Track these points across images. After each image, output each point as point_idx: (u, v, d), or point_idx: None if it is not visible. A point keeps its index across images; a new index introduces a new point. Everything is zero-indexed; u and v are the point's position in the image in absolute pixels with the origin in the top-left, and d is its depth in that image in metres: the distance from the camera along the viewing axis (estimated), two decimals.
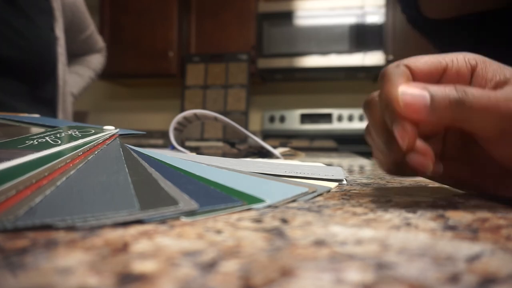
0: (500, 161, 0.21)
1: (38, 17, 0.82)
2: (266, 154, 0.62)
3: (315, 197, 0.21)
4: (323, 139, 2.06)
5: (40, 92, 0.85)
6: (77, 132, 0.32)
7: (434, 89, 0.19)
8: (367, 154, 0.77)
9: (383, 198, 0.21)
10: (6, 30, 0.76)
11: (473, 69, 0.22)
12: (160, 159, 0.29)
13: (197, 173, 0.24)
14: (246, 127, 2.11)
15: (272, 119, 2.37)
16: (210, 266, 0.10)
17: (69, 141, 0.28)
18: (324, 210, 0.18)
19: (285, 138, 2.16)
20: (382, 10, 2.08)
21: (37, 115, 0.46)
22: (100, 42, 1.15)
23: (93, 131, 0.33)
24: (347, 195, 0.23)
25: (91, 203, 0.15)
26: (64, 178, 0.18)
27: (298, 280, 0.09)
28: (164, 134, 2.34)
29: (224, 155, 0.63)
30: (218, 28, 2.25)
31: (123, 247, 0.11)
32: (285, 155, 0.66)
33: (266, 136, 2.29)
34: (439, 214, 0.17)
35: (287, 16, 2.15)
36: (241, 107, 2.20)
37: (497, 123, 0.19)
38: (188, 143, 1.67)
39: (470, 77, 0.22)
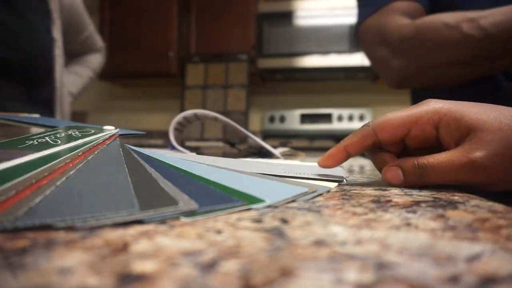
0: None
1: (35, 19, 0.82)
2: (266, 154, 0.62)
3: (315, 197, 0.21)
4: (323, 139, 2.06)
5: (37, 94, 0.85)
6: (76, 132, 0.32)
7: (403, 166, 0.27)
8: None
9: (383, 198, 0.21)
10: (2, 31, 0.76)
11: (437, 123, 0.27)
12: (160, 159, 0.29)
13: (197, 173, 0.24)
14: (246, 127, 2.11)
15: (272, 119, 2.37)
16: (210, 266, 0.10)
17: (68, 141, 0.28)
18: (324, 210, 0.18)
19: (285, 138, 2.16)
20: None
21: (37, 115, 0.46)
22: (99, 42, 1.15)
23: (93, 131, 0.33)
24: (347, 195, 0.23)
25: (91, 203, 0.15)
26: (64, 178, 0.18)
27: (298, 280, 0.09)
28: (164, 134, 2.34)
29: (224, 155, 0.63)
30: (218, 28, 2.25)
31: (123, 247, 0.11)
32: (285, 155, 0.66)
33: (266, 136, 2.29)
34: (439, 214, 0.17)
35: (287, 16, 2.15)
36: (241, 107, 2.20)
37: (455, 177, 0.25)
38: (188, 143, 1.67)
39: (435, 130, 0.27)
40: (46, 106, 0.89)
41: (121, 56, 2.27)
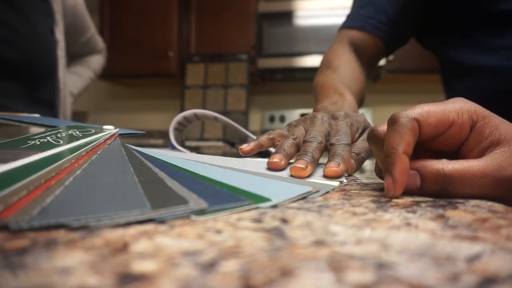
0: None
1: (38, 20, 0.83)
2: (266, 154, 0.62)
3: (321, 195, 0.21)
4: None
5: (39, 94, 0.85)
6: (77, 132, 0.32)
7: (424, 171, 0.23)
8: None
9: (383, 198, 0.21)
10: (6, 32, 0.76)
11: (473, 124, 0.24)
12: (163, 159, 0.29)
13: (201, 173, 0.24)
14: (246, 127, 2.11)
15: (272, 119, 2.37)
16: (210, 266, 0.10)
17: (71, 141, 0.28)
18: (324, 210, 0.18)
19: None
20: None
21: (37, 115, 0.46)
22: (100, 43, 1.16)
23: (93, 131, 0.33)
24: (347, 195, 0.23)
25: (103, 203, 0.15)
26: (71, 178, 0.19)
27: (298, 280, 0.09)
28: (164, 134, 2.34)
29: (224, 155, 0.63)
30: (218, 28, 2.25)
31: (123, 247, 0.11)
32: None
33: None
34: (439, 214, 0.17)
35: (287, 16, 2.15)
36: (241, 107, 2.20)
37: (483, 190, 0.22)
38: (188, 143, 1.66)
39: (470, 130, 0.24)
40: (48, 106, 0.89)
41: (121, 56, 2.27)
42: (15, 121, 0.39)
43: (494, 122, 0.24)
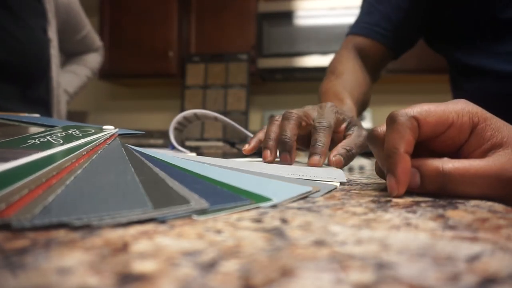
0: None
1: (30, 20, 0.82)
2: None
3: (323, 195, 0.21)
4: None
5: (32, 94, 0.85)
6: (77, 132, 0.32)
7: (424, 169, 0.23)
8: (367, 154, 0.77)
9: (383, 198, 0.21)
10: None
11: (474, 126, 0.24)
12: (163, 159, 0.29)
13: (202, 173, 0.24)
14: (246, 127, 2.11)
15: None
16: (210, 266, 0.10)
17: (71, 141, 0.28)
18: (324, 210, 0.18)
19: None
20: None
21: (37, 115, 0.46)
22: (97, 41, 1.15)
23: (93, 131, 0.33)
24: (347, 195, 0.23)
25: (104, 202, 0.15)
26: (72, 178, 0.19)
27: (298, 280, 0.09)
28: (164, 134, 2.34)
29: (224, 155, 0.63)
30: (218, 28, 2.25)
31: (123, 247, 0.11)
32: None
33: None
34: (439, 214, 0.17)
35: (287, 16, 2.15)
36: (241, 107, 2.20)
37: (483, 190, 0.22)
38: (188, 143, 1.66)
39: (470, 132, 0.24)
40: (42, 105, 0.89)
41: (121, 56, 2.27)
42: (14, 121, 0.39)
43: (496, 124, 0.23)
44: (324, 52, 2.09)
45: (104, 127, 0.36)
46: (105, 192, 0.17)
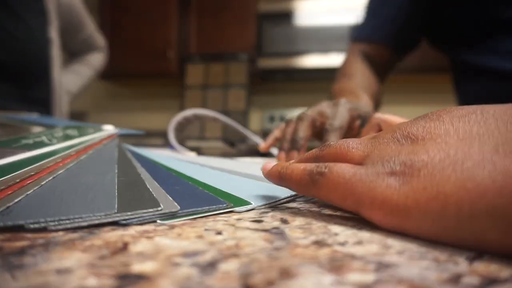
0: None
1: (31, 19, 0.82)
2: (266, 154, 0.62)
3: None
4: None
5: (32, 94, 0.85)
6: (75, 132, 0.32)
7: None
8: None
9: None
10: None
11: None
12: (155, 159, 0.28)
13: (188, 174, 0.24)
14: (246, 127, 2.11)
15: (272, 119, 2.37)
16: (210, 266, 0.10)
17: (64, 141, 0.28)
18: (324, 210, 0.18)
19: None
20: None
21: (35, 114, 0.46)
22: (100, 40, 1.15)
23: (92, 131, 0.33)
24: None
25: (70, 205, 0.15)
26: (50, 178, 0.18)
27: (298, 280, 0.09)
28: (164, 134, 2.34)
29: (224, 154, 0.63)
30: (218, 27, 2.25)
31: (123, 247, 0.11)
32: None
33: (266, 136, 2.29)
34: None
35: (287, 16, 2.15)
36: (241, 107, 2.20)
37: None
38: (188, 143, 1.66)
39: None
40: (43, 105, 0.88)
41: (121, 56, 2.27)
42: (16, 121, 0.39)
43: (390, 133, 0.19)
44: (324, 52, 2.09)
45: (104, 126, 0.36)
46: (76, 194, 0.16)
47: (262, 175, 0.20)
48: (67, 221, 0.13)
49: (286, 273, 0.10)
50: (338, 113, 0.41)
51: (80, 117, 2.41)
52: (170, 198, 0.17)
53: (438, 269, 0.10)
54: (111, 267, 0.10)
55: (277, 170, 0.19)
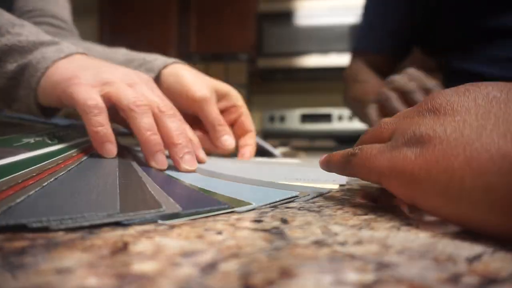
0: None
1: None
2: (266, 153, 0.62)
3: (320, 195, 0.21)
4: (323, 139, 2.06)
5: None
6: (75, 131, 0.32)
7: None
8: None
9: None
10: None
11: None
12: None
13: (187, 181, 0.24)
14: None
15: (272, 119, 2.37)
16: (210, 266, 0.10)
17: (65, 141, 0.28)
18: (324, 210, 0.18)
19: (285, 138, 2.16)
20: None
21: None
22: None
23: None
24: (347, 195, 0.23)
25: (72, 205, 0.15)
26: (52, 179, 0.18)
27: (298, 280, 0.09)
28: None
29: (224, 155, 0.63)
30: (218, 27, 2.25)
31: (123, 247, 0.11)
32: (285, 155, 0.66)
33: (266, 136, 2.29)
34: None
35: (287, 16, 2.15)
36: None
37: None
38: None
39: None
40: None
41: None
42: (18, 119, 0.39)
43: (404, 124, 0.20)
44: (324, 52, 2.09)
45: None
46: (78, 195, 0.16)
47: (264, 177, 0.20)
48: (70, 221, 0.13)
49: (286, 273, 0.10)
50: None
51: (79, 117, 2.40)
52: (171, 200, 0.17)
53: (437, 269, 0.10)
54: (111, 267, 0.10)
55: (325, 158, 0.22)
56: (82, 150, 0.26)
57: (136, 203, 0.16)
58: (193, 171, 0.27)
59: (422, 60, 0.83)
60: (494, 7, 0.58)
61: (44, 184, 0.17)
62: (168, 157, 0.29)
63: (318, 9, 2.13)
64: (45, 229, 0.13)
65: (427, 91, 0.47)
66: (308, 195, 0.22)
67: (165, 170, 0.27)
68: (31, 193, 0.16)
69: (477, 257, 0.11)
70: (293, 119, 2.35)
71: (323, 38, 2.10)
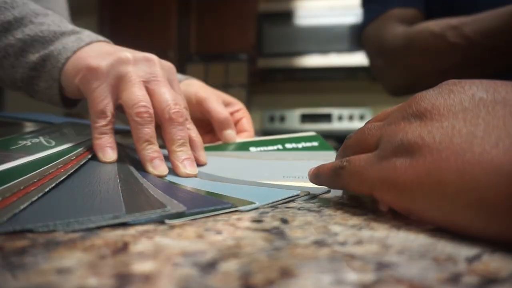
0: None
1: None
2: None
3: (320, 195, 0.21)
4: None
5: None
6: (72, 131, 0.31)
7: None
8: None
9: None
10: None
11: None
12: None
13: (189, 185, 0.24)
14: None
15: (272, 119, 2.37)
16: (210, 266, 0.10)
17: (63, 143, 0.27)
18: (324, 210, 0.18)
19: None
20: None
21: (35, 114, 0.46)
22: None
23: (89, 130, 0.33)
24: (347, 194, 0.23)
25: (78, 209, 0.15)
26: (53, 184, 0.18)
27: (298, 280, 0.09)
28: None
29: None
30: (218, 27, 2.25)
31: (123, 247, 0.11)
32: None
33: (266, 135, 2.29)
34: None
35: (287, 15, 2.15)
36: None
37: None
38: None
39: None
40: None
41: None
42: (10, 119, 0.38)
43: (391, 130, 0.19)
44: (324, 52, 2.09)
45: None
46: (82, 199, 0.16)
47: (266, 180, 0.20)
48: (76, 224, 0.13)
49: (286, 273, 0.10)
50: None
51: (80, 117, 2.40)
52: (175, 201, 0.17)
53: (437, 269, 0.10)
54: (111, 267, 0.10)
55: (314, 171, 0.21)
56: (81, 153, 0.26)
57: (141, 205, 0.16)
58: (194, 176, 0.28)
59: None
60: None
61: (46, 190, 0.17)
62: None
63: (318, 9, 2.13)
64: (29, 232, 0.13)
65: None
66: (309, 193, 0.22)
67: (165, 176, 0.27)
68: (34, 199, 0.16)
69: (476, 257, 0.11)
70: (293, 119, 2.35)
71: (323, 38, 2.10)
